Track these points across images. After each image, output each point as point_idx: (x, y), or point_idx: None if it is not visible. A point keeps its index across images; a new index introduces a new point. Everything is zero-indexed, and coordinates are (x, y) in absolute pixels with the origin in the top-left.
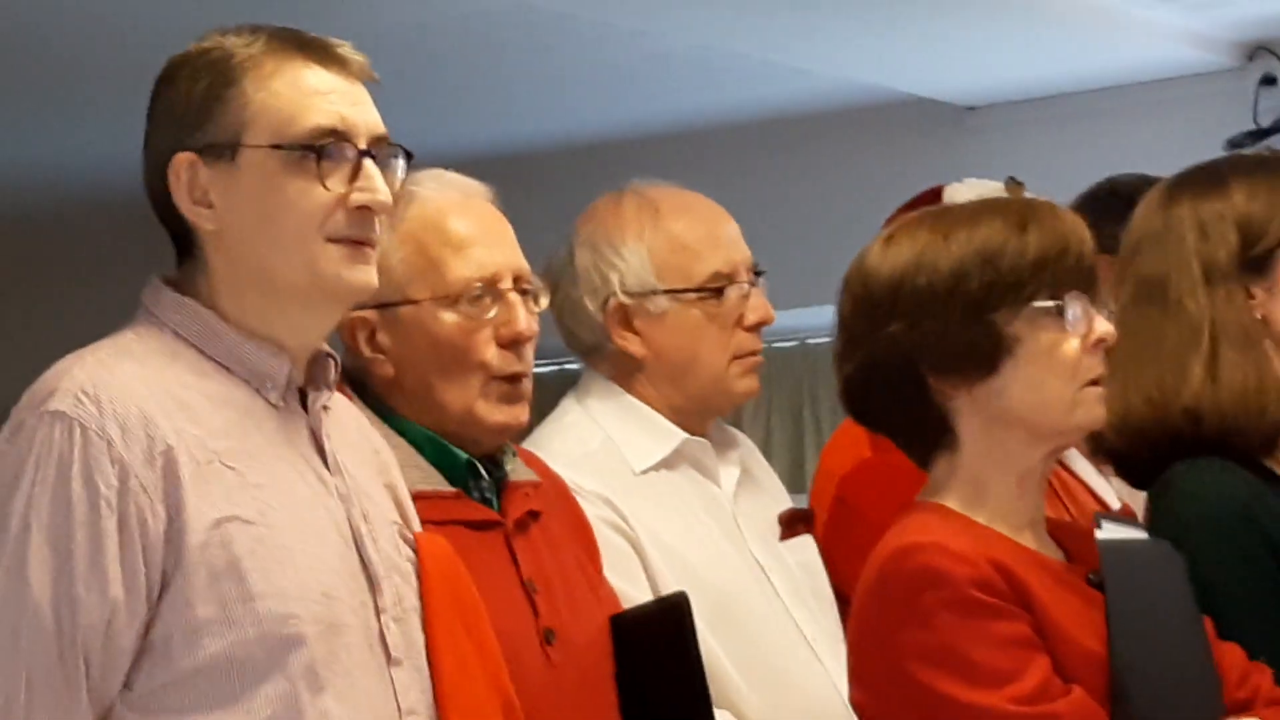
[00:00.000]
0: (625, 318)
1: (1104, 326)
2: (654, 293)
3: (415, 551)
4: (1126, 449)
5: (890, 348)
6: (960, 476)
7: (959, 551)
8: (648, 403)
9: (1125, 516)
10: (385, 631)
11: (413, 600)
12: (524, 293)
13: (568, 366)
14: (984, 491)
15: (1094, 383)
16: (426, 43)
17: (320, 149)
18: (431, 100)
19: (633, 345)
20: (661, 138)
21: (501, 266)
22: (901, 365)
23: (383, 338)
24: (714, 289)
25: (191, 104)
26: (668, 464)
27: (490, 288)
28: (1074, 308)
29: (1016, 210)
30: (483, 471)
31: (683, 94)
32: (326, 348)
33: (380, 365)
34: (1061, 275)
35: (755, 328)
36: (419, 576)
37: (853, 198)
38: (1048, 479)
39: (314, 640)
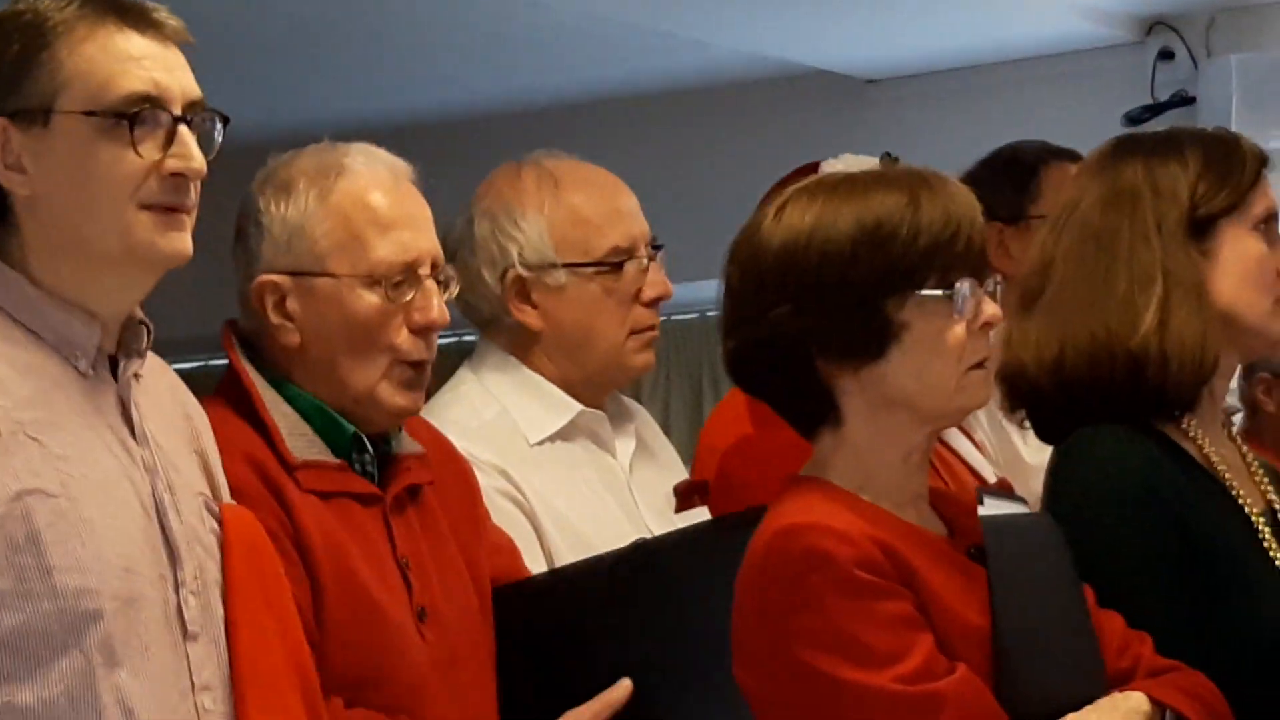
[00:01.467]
0: (523, 290)
1: (991, 309)
2: (552, 266)
3: (220, 523)
4: (1055, 392)
5: (778, 327)
6: (844, 453)
7: (843, 531)
8: (544, 375)
9: (1005, 490)
10: (183, 606)
11: (214, 573)
12: (438, 280)
13: (466, 338)
14: (868, 468)
15: (979, 365)
16: (325, 12)
17: (133, 115)
18: (330, 70)
19: (530, 318)
20: (560, 109)
21: (423, 252)
22: (789, 344)
23: (293, 305)
24: (613, 264)
25: (3, 68)
26: (563, 435)
27: (410, 272)
28: (963, 293)
29: (909, 185)
30: (367, 445)
31: (582, 65)
32: (140, 315)
33: (286, 333)
34: (952, 260)
35: (653, 303)
36: (222, 549)
37: (753, 171)
38: (928, 457)
39: (111, 615)
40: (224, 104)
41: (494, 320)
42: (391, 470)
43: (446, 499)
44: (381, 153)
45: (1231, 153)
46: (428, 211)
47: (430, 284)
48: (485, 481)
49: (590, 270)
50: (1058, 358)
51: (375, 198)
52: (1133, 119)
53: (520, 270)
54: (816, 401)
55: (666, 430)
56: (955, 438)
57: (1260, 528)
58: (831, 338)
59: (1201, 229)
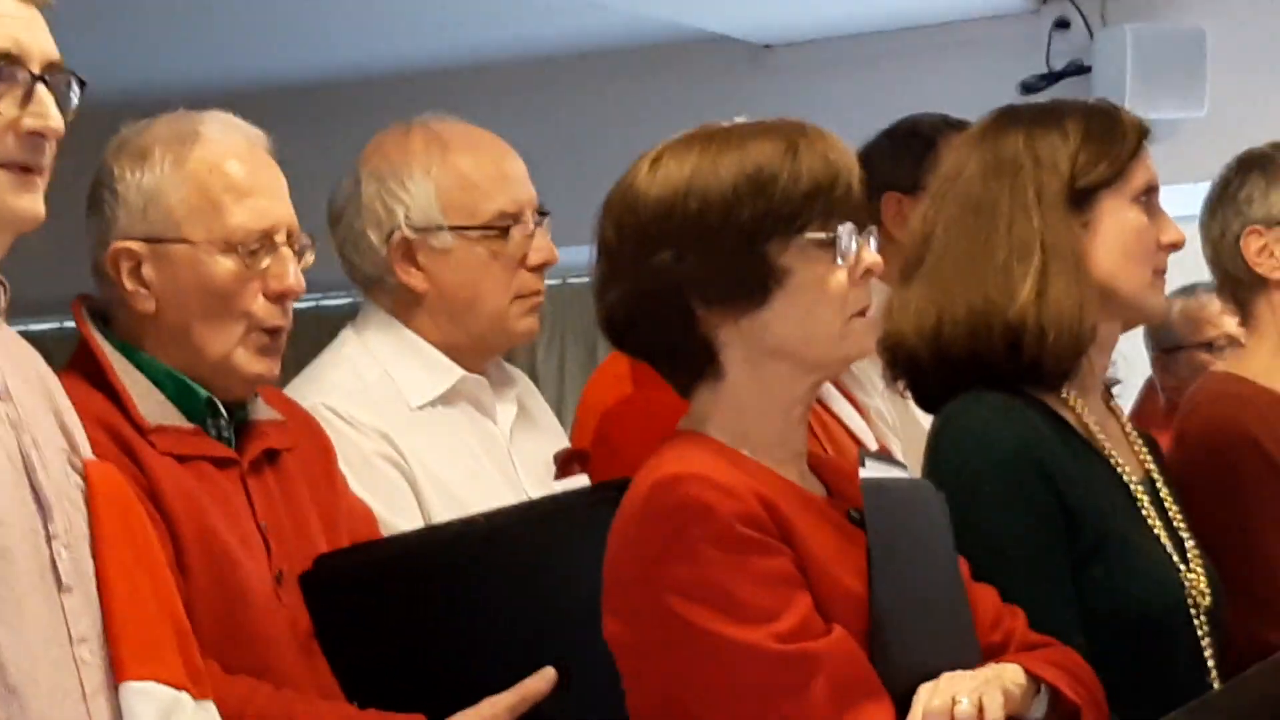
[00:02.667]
0: (409, 252)
1: (871, 257)
2: (439, 229)
3: (85, 479)
4: (933, 361)
5: (657, 277)
6: (724, 407)
7: (724, 484)
8: (427, 338)
9: (886, 455)
10: (56, 558)
11: (82, 528)
12: (294, 249)
13: (324, 303)
14: (747, 423)
15: (861, 313)
16: None
17: None
18: (213, 31)
19: (415, 280)
20: (451, 72)
21: (279, 220)
22: (668, 295)
23: (149, 272)
24: (499, 228)
25: None
26: (445, 400)
27: (266, 240)
28: (845, 239)
29: (786, 134)
30: (222, 410)
31: (475, 28)
32: None
33: (141, 300)
34: (833, 205)
35: (538, 269)
36: (88, 504)
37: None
38: (809, 412)
39: None
40: (80, 68)
41: (378, 282)
42: (248, 435)
43: (305, 465)
44: (238, 121)
45: (1112, 124)
46: (283, 180)
47: (286, 251)
48: (366, 445)
49: (476, 234)
50: (936, 327)
51: (231, 165)
52: (1028, 87)
53: (406, 232)
54: (696, 354)
55: (561, 394)
56: (836, 401)
57: (1139, 495)
58: (713, 284)
59: (1082, 200)
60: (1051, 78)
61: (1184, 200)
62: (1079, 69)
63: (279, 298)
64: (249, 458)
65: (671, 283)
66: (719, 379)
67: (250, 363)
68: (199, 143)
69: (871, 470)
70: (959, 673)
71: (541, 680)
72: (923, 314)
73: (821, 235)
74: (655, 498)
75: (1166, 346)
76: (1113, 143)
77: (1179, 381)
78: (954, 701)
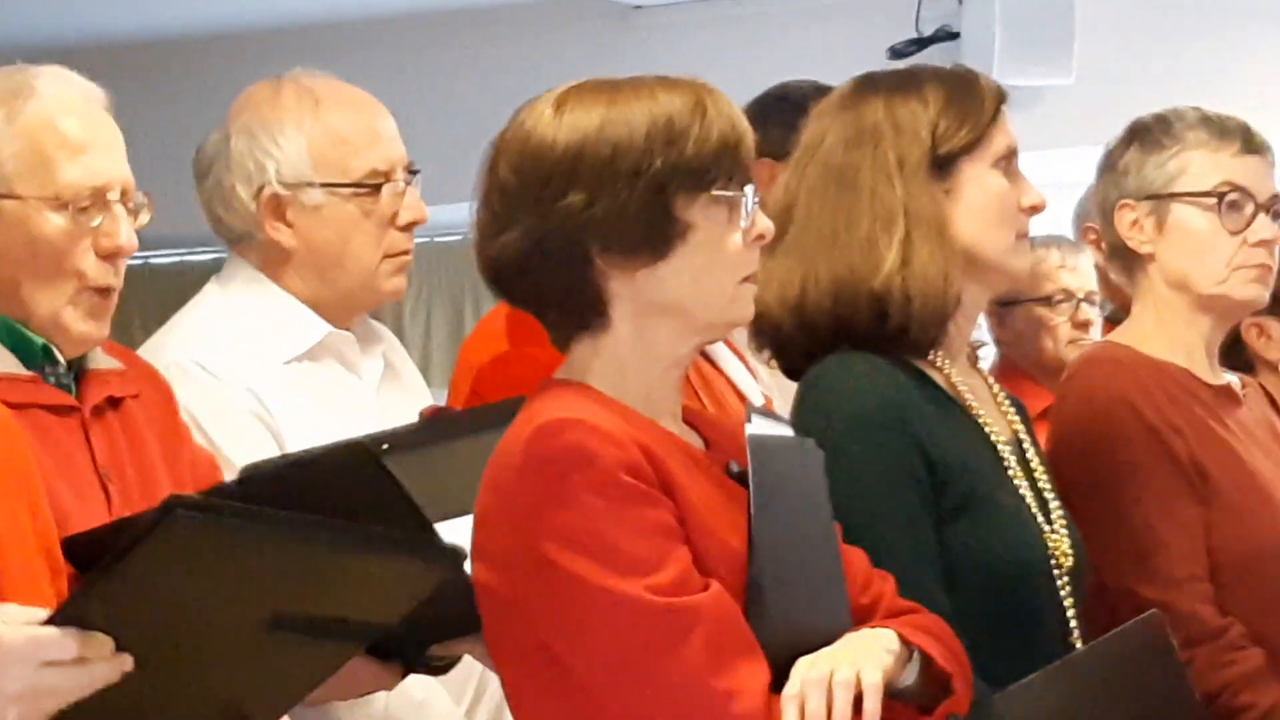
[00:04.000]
0: (278, 208)
1: (765, 223)
2: (309, 185)
3: None
4: (796, 332)
5: (561, 221)
6: (603, 360)
7: (608, 432)
8: (294, 294)
9: (771, 413)
10: None
11: None
12: (128, 207)
13: (188, 258)
14: (626, 377)
15: (749, 279)
16: None
17: None
18: None
19: (283, 236)
20: (318, 28)
21: (113, 178)
22: (568, 239)
23: None
24: (371, 186)
25: None
26: (311, 356)
27: (99, 197)
28: (750, 198)
29: (693, 90)
30: (59, 357)
31: None
32: None
33: None
34: (736, 166)
35: (408, 227)
36: None
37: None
38: (687, 369)
39: None
40: None
41: (246, 237)
42: (88, 383)
43: (148, 413)
44: (74, 76)
45: (971, 91)
46: (119, 137)
47: (119, 210)
48: (233, 399)
49: (348, 191)
50: (800, 297)
51: (66, 121)
52: (897, 53)
53: (277, 188)
54: (585, 304)
55: (428, 351)
56: (724, 357)
57: (1005, 456)
58: (617, 232)
59: (943, 167)
60: (921, 43)
61: (1051, 166)
62: (948, 35)
63: (110, 256)
64: (90, 404)
65: (574, 227)
66: (603, 332)
67: (78, 322)
68: (33, 97)
69: (757, 427)
70: (837, 645)
71: None
72: (786, 285)
73: (728, 193)
74: (537, 442)
75: (1004, 301)
76: (972, 109)
77: (1014, 335)
78: (832, 672)
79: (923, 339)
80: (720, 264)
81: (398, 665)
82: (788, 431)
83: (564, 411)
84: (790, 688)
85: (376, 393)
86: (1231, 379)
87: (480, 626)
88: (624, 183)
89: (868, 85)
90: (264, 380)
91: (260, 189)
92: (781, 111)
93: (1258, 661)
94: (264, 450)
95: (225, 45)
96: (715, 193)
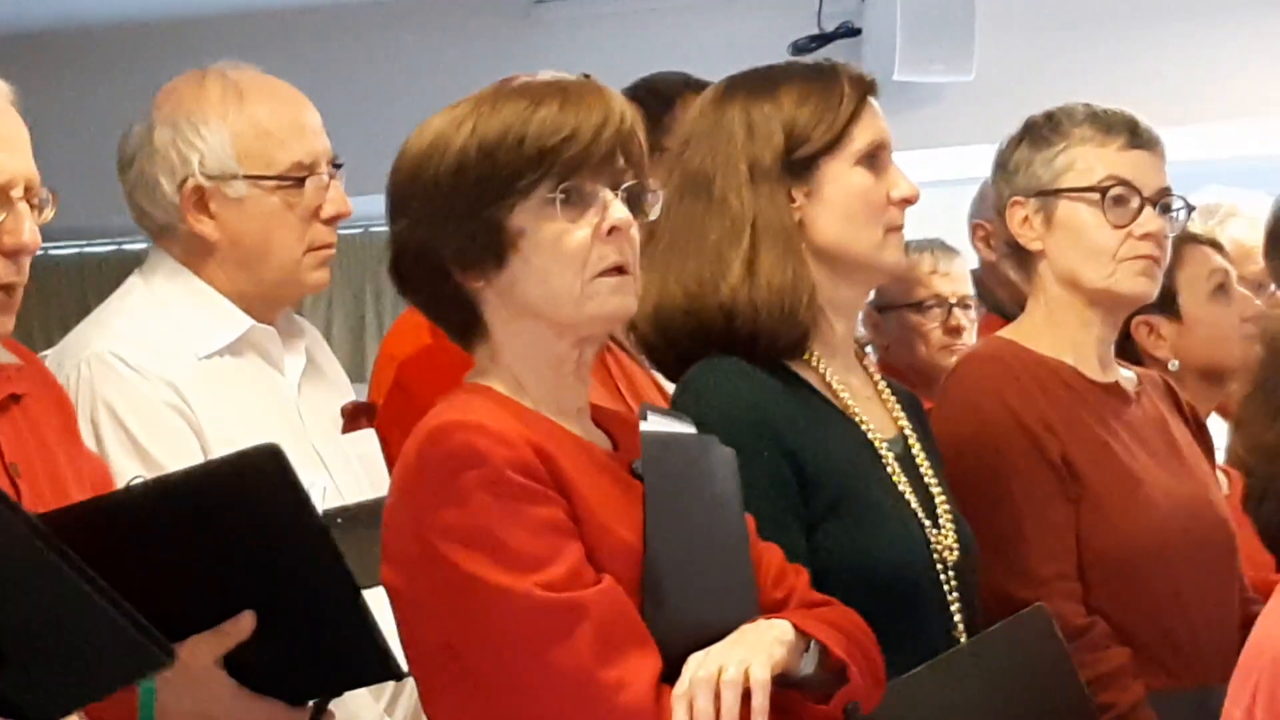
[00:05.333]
0: (201, 200)
1: (618, 214)
2: (233, 177)
3: None
4: (659, 340)
5: (406, 241)
6: (498, 363)
7: (499, 432)
8: (216, 287)
9: (671, 411)
10: None
11: None
12: (32, 204)
13: (126, 246)
14: (520, 378)
15: (619, 270)
16: None
17: None
18: None
19: (206, 228)
20: (225, 19)
21: (17, 174)
22: (421, 256)
23: None
24: (295, 178)
25: None
26: (233, 350)
27: (2, 195)
28: (577, 196)
29: (540, 95)
30: None
31: None
32: None
33: None
34: (570, 163)
35: (332, 220)
36: None
37: (419, 86)
38: (587, 368)
39: None
40: None
41: (169, 229)
42: None
43: (45, 413)
44: None
45: (830, 88)
46: (24, 132)
47: (23, 207)
48: (153, 393)
49: (272, 183)
50: (656, 309)
51: None
52: (799, 48)
53: (200, 179)
54: (461, 313)
55: (328, 345)
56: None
57: (885, 454)
58: (450, 249)
59: (801, 169)
60: (822, 39)
61: (952, 162)
62: (850, 31)
63: (13, 253)
64: None
65: (419, 245)
66: (487, 336)
67: None
68: None
69: (653, 424)
70: (728, 640)
71: (241, 623)
72: (645, 297)
73: (551, 195)
74: (430, 445)
75: (879, 305)
76: (829, 107)
77: (889, 340)
78: (720, 670)
79: (775, 345)
80: (561, 263)
81: (304, 710)
82: (688, 429)
83: (458, 414)
84: (680, 685)
85: (299, 388)
86: (1129, 375)
87: (390, 675)
88: (443, 202)
89: (729, 88)
90: (185, 374)
91: (184, 181)
92: (648, 106)
93: (1120, 660)
94: (184, 445)
95: (141, 36)
96: (539, 196)
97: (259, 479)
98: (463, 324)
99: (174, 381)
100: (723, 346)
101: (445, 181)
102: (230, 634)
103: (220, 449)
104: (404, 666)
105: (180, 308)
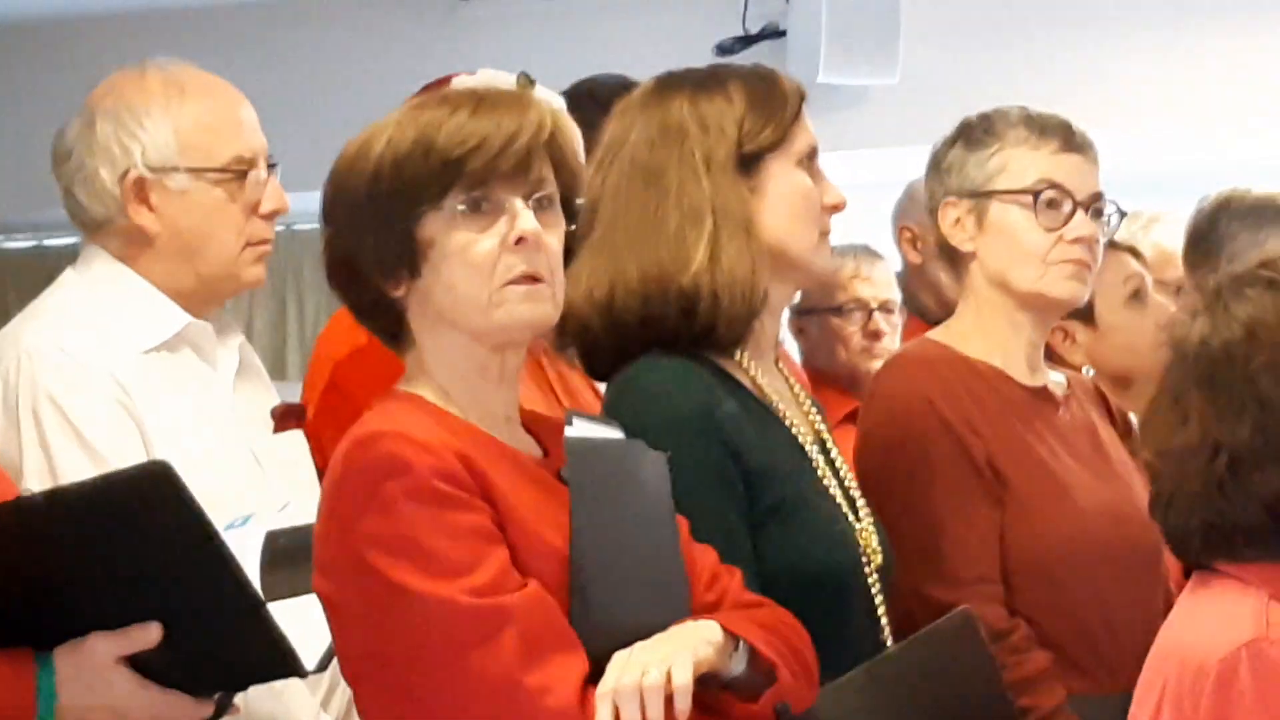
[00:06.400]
0: (142, 192)
1: (526, 224)
2: (175, 169)
3: None
4: (604, 331)
5: (334, 249)
6: (425, 370)
7: (423, 441)
8: (153, 282)
9: (597, 415)
10: None
11: None
12: None
13: (46, 242)
14: (445, 384)
15: (533, 279)
16: None
17: None
18: None
19: (146, 221)
20: (154, 16)
21: None
22: (347, 265)
23: None
24: (236, 172)
25: None
26: (170, 346)
27: None
28: (485, 206)
29: (456, 104)
30: None
31: None
32: None
33: None
34: (477, 173)
35: (270, 216)
36: None
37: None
38: (513, 374)
39: None
40: None
41: (106, 223)
42: None
43: None
44: None
45: (773, 90)
46: None
47: None
48: (96, 387)
49: (213, 176)
50: (609, 296)
51: None
52: (724, 49)
53: (142, 170)
54: (386, 319)
55: (250, 343)
56: None
57: (814, 456)
58: (371, 258)
59: (748, 165)
60: (747, 40)
61: (876, 165)
62: (774, 33)
63: None
64: None
65: (342, 253)
66: (412, 344)
67: None
68: None
69: (578, 429)
70: (653, 640)
71: (146, 630)
72: (594, 283)
73: (460, 205)
74: (354, 455)
75: (801, 309)
76: (775, 107)
77: (811, 344)
78: (643, 674)
79: (730, 336)
80: (469, 273)
81: (209, 702)
82: (615, 433)
83: (383, 423)
84: (603, 685)
85: (233, 385)
86: (1058, 380)
87: (293, 672)
88: (359, 213)
89: (671, 83)
90: (126, 369)
91: (125, 172)
92: (585, 108)
93: (1041, 664)
94: (128, 439)
95: (67, 33)
96: (447, 206)
97: (151, 495)
98: (391, 332)
99: (116, 375)
100: (673, 337)
101: (363, 191)
102: (135, 639)
103: (163, 445)
104: (308, 664)
105: (117, 302)
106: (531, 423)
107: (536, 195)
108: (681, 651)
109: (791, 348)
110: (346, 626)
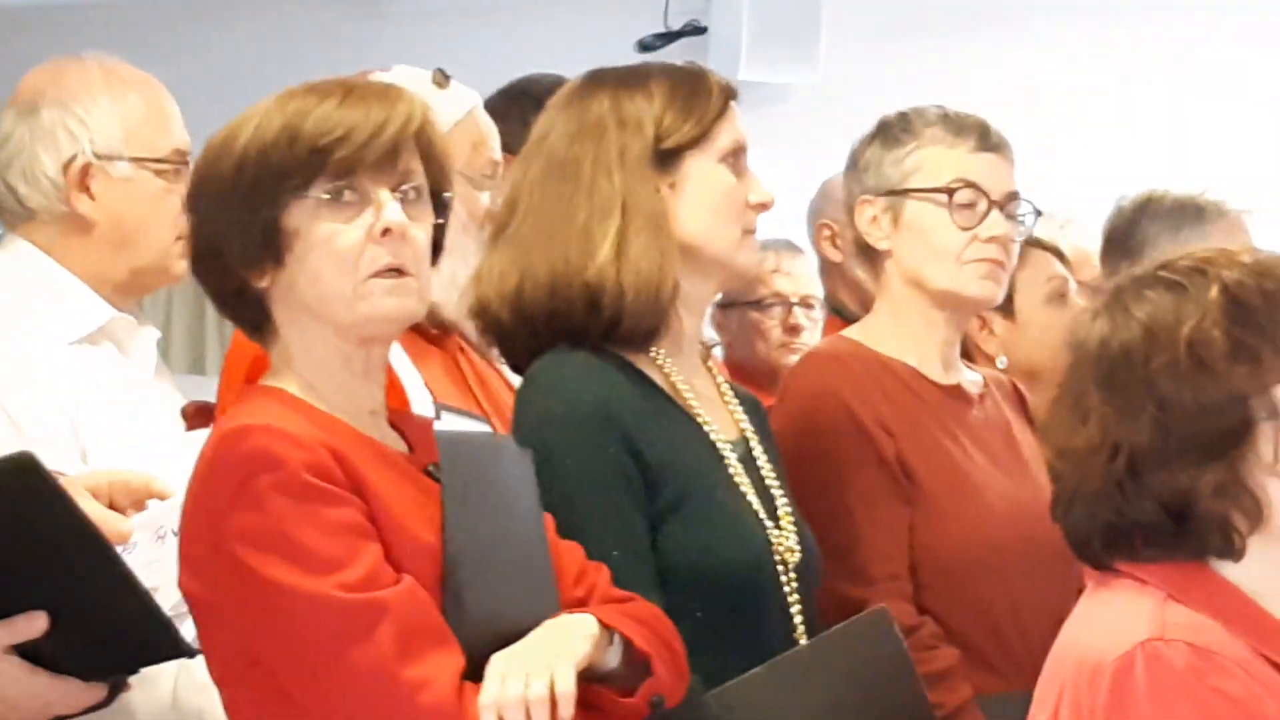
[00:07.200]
0: (85, 180)
1: (392, 216)
2: (120, 158)
3: None
4: (514, 324)
5: (198, 238)
6: (290, 364)
7: (294, 435)
8: (79, 274)
9: (466, 411)
10: None
11: None
12: None
13: None
14: (310, 378)
15: (397, 271)
16: None
17: None
18: None
19: (87, 209)
20: (55, 7)
21: None
22: (211, 254)
23: None
24: (177, 163)
25: None
26: (92, 339)
27: None
28: (349, 196)
29: (324, 94)
30: None
31: None
32: None
33: None
34: (343, 163)
35: None
36: None
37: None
38: (378, 368)
39: None
40: None
41: (39, 212)
42: None
43: None
44: None
45: (698, 86)
46: None
47: None
48: (28, 372)
49: (155, 166)
50: (517, 289)
51: None
52: (646, 46)
53: (90, 157)
54: (249, 310)
55: (169, 340)
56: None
57: (726, 455)
58: (234, 248)
59: (667, 161)
60: (669, 37)
61: (797, 162)
62: (696, 29)
63: None
64: None
65: (206, 241)
66: (276, 336)
67: None
68: None
69: (449, 423)
70: (532, 640)
71: (31, 620)
72: (505, 277)
73: (325, 194)
74: (224, 449)
75: (722, 303)
76: (698, 104)
77: (732, 337)
78: (527, 683)
79: (636, 331)
80: (333, 264)
81: (101, 685)
82: (483, 428)
83: (251, 417)
84: (485, 694)
85: (152, 379)
86: (973, 378)
87: (181, 653)
88: (224, 200)
89: (595, 80)
90: (54, 358)
91: (72, 159)
92: (523, 106)
93: (949, 661)
94: (60, 427)
95: None
96: (312, 195)
97: (17, 487)
98: (254, 323)
99: (45, 364)
100: (580, 331)
101: (228, 179)
102: (20, 629)
103: (92, 437)
104: (197, 644)
105: (42, 293)
106: (395, 419)
107: (404, 187)
108: (563, 657)
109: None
110: (215, 625)
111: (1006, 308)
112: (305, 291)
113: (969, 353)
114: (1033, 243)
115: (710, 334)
